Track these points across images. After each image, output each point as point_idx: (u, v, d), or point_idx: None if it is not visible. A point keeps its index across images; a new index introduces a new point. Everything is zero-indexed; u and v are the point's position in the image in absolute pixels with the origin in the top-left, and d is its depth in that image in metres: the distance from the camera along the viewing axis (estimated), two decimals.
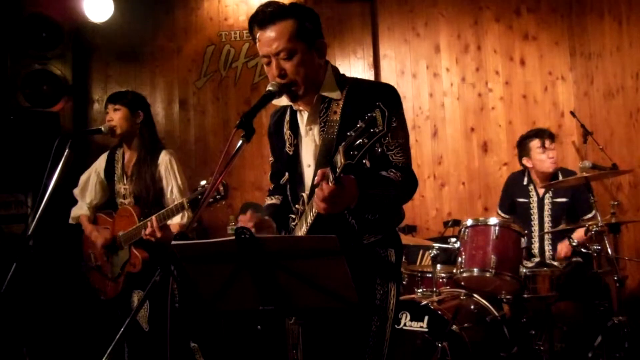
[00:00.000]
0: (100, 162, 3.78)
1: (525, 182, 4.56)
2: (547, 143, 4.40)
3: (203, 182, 3.13)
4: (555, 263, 4.18)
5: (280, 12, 2.12)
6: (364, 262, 2.15)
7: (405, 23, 5.73)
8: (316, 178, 1.91)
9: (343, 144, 1.77)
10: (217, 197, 3.05)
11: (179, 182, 3.55)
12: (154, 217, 3.30)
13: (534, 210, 4.47)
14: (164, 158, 3.57)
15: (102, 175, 3.74)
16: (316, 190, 1.90)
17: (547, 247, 4.40)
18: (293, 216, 2.30)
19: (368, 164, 1.78)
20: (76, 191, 3.81)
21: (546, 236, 4.40)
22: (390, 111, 1.75)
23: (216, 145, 5.67)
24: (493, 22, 5.70)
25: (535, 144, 4.44)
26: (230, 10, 5.77)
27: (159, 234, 3.28)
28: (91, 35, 5.63)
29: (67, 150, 3.01)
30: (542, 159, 4.41)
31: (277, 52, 2.11)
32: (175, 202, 3.42)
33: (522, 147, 4.55)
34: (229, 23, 5.76)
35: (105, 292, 3.66)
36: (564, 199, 4.40)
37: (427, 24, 5.73)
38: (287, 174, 2.35)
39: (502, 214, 4.66)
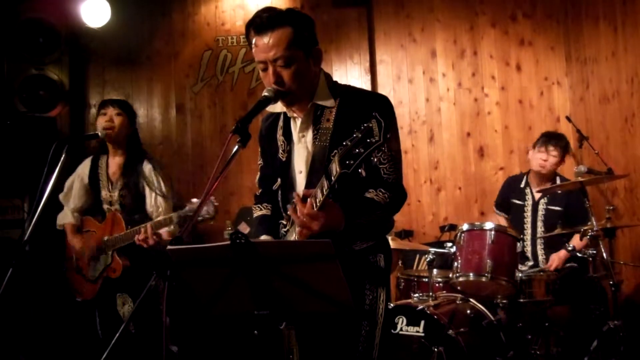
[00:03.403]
0: (84, 169, 3.76)
1: (522, 185, 4.59)
2: (550, 147, 4.41)
3: (194, 200, 3.16)
4: (543, 260, 4.18)
5: (278, 18, 2.12)
6: (354, 267, 2.15)
7: (402, 28, 5.75)
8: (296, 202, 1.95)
9: (339, 153, 1.78)
10: (207, 216, 3.11)
11: (163, 189, 3.57)
12: (149, 224, 3.33)
13: (528, 214, 4.49)
14: (147, 165, 3.59)
15: (86, 180, 3.73)
16: (292, 210, 1.95)
17: (540, 252, 4.41)
18: (284, 222, 2.31)
19: (364, 174, 1.80)
20: (61, 196, 3.80)
21: (539, 240, 4.41)
22: (386, 122, 1.76)
23: (213, 149, 5.68)
24: (489, 27, 5.72)
25: (540, 140, 4.51)
26: (227, 16, 5.79)
27: (151, 241, 3.31)
28: (88, 40, 5.65)
29: (63, 156, 3.01)
30: (535, 156, 4.46)
31: (275, 59, 2.11)
32: (160, 209, 3.50)
33: (537, 140, 4.59)
34: (225, 28, 5.78)
35: (82, 294, 3.68)
36: (558, 208, 4.42)
37: (424, 29, 5.75)
38: (279, 179, 2.36)
39: (498, 212, 4.73)
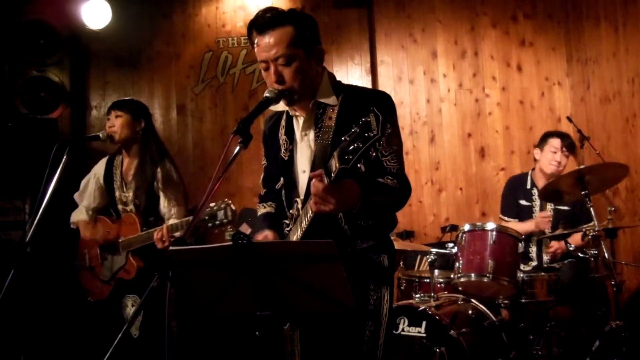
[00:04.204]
0: (100, 168, 3.79)
1: (528, 186, 4.57)
2: (564, 150, 4.44)
3: (213, 204, 3.06)
4: (547, 260, 4.18)
5: (279, 18, 2.13)
6: (358, 267, 2.15)
7: (403, 29, 5.75)
8: (311, 175, 1.92)
9: (338, 148, 1.78)
10: (224, 220, 2.95)
11: (177, 192, 3.56)
12: (165, 226, 3.32)
13: (536, 214, 4.47)
14: (163, 167, 3.58)
15: (101, 180, 3.76)
16: (312, 184, 1.90)
17: (545, 253, 4.41)
18: (287, 221, 2.31)
19: (363, 169, 1.79)
20: (76, 195, 3.84)
21: (544, 241, 4.41)
22: (385, 116, 1.77)
23: (214, 151, 5.68)
24: (490, 28, 5.72)
25: (554, 142, 4.46)
26: (227, 17, 5.79)
27: (167, 242, 3.28)
28: (89, 42, 5.65)
29: (65, 157, 3.02)
30: (549, 157, 4.44)
31: (276, 57, 2.12)
32: (172, 212, 3.47)
33: (543, 139, 4.57)
34: (226, 29, 5.78)
35: (93, 294, 3.68)
36: (565, 207, 4.41)
37: (424, 30, 5.75)
38: (282, 179, 2.36)
39: (508, 219, 4.58)
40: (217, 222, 2.96)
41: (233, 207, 2.96)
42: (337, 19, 5.76)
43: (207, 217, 2.98)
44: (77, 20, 5.12)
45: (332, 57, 5.68)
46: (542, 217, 4.31)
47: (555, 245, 4.26)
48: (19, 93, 4.89)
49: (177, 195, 3.56)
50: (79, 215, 3.81)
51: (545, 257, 4.40)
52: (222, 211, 2.94)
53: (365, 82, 5.69)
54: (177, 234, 3.35)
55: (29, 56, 4.95)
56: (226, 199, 2.98)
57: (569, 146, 4.49)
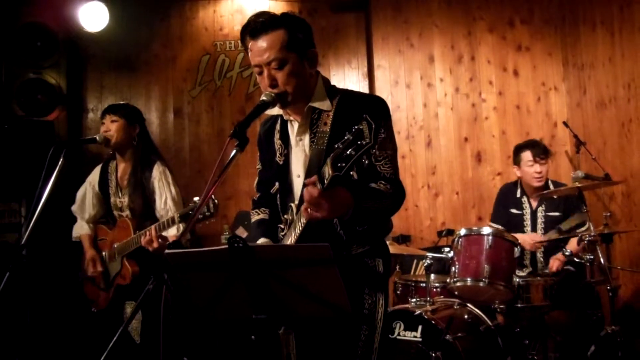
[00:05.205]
0: (94, 176, 3.77)
1: (518, 194, 4.55)
2: (538, 158, 4.38)
3: (196, 199, 3.12)
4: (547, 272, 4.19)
5: (271, 22, 2.13)
6: (353, 272, 2.15)
7: (400, 33, 5.76)
8: (306, 182, 1.93)
9: (331, 155, 1.79)
10: (207, 214, 3.02)
11: (173, 193, 3.55)
12: (153, 227, 3.30)
13: (527, 222, 4.47)
14: (157, 169, 3.57)
15: (97, 188, 3.73)
16: (304, 192, 1.91)
17: (540, 259, 4.41)
18: (282, 226, 2.31)
19: (355, 176, 1.79)
20: (74, 208, 3.80)
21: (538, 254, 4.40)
22: (378, 123, 1.77)
23: (210, 154, 5.68)
24: (487, 33, 5.74)
25: (526, 155, 4.42)
26: (225, 20, 5.79)
27: (156, 244, 3.27)
28: (86, 45, 5.64)
29: (61, 159, 3.01)
30: (529, 171, 4.40)
31: (269, 61, 2.12)
32: (170, 214, 3.43)
33: (516, 156, 4.54)
34: (224, 33, 5.79)
35: (97, 303, 3.66)
36: (556, 213, 4.40)
37: (421, 35, 5.76)
38: (277, 183, 2.36)
39: (496, 226, 4.56)
40: (200, 216, 3.01)
41: (215, 200, 2.99)
42: (335, 23, 5.77)
43: (190, 212, 3.04)
44: (74, 23, 5.12)
45: (330, 61, 5.69)
46: (534, 241, 4.28)
47: (555, 264, 4.22)
48: (15, 95, 4.88)
49: (173, 198, 3.55)
50: (80, 230, 3.79)
51: (540, 265, 4.40)
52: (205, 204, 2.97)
53: (362, 86, 5.70)
54: (167, 233, 3.35)
55: (26, 58, 4.94)
56: None
57: (542, 153, 4.41)
